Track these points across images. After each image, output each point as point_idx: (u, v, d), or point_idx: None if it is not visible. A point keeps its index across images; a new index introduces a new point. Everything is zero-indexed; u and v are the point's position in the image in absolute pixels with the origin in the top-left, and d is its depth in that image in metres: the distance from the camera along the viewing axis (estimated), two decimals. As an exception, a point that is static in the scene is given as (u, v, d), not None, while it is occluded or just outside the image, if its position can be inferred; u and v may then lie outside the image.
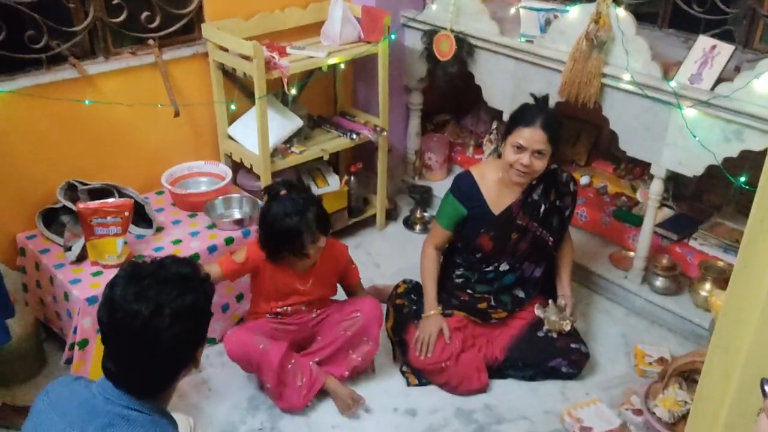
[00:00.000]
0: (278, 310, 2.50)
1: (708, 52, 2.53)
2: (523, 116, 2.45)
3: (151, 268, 1.40)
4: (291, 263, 2.41)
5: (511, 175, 2.48)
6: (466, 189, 2.59)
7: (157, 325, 1.32)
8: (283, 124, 3.03)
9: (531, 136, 2.39)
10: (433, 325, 2.56)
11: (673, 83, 2.53)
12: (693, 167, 2.59)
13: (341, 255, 2.60)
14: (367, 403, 2.48)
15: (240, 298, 2.77)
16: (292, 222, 2.26)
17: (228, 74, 3.04)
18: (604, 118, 2.87)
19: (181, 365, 1.43)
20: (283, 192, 2.33)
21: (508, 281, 2.65)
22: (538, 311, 2.60)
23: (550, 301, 2.64)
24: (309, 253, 2.35)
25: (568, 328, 2.57)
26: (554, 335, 2.58)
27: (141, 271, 1.39)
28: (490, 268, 2.64)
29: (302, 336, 2.56)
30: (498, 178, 2.56)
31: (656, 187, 2.75)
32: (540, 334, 2.60)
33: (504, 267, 2.63)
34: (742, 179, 2.53)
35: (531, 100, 2.54)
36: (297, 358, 2.47)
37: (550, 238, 2.61)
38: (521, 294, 2.67)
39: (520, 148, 2.41)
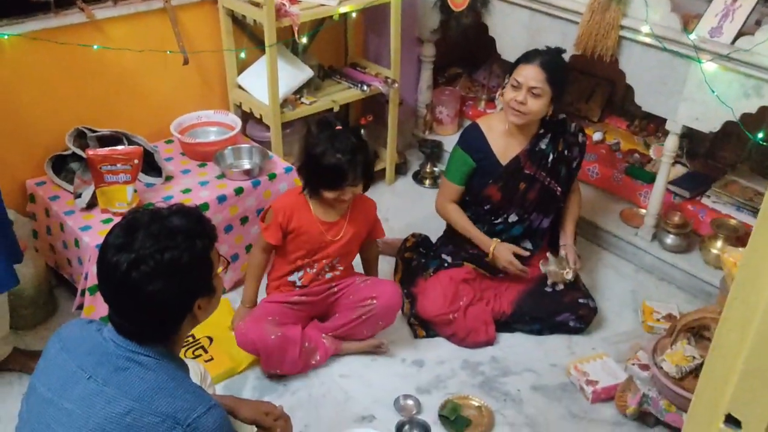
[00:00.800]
0: (302, 264, 2.41)
1: (729, 5, 2.46)
2: (526, 55, 2.47)
3: (146, 219, 1.38)
4: (324, 203, 2.34)
5: (508, 116, 2.50)
6: (473, 141, 2.60)
7: (135, 279, 1.30)
8: (293, 74, 2.99)
9: (527, 72, 2.41)
10: (505, 252, 2.56)
11: (692, 36, 2.47)
12: (710, 123, 2.55)
13: (371, 209, 2.51)
14: (374, 354, 2.51)
15: (249, 248, 2.77)
16: (341, 159, 2.21)
17: (238, 22, 2.98)
18: (619, 74, 2.82)
19: (176, 318, 1.40)
20: (339, 127, 2.29)
21: (517, 232, 2.65)
22: (542, 267, 2.60)
23: (548, 254, 2.63)
24: (345, 194, 2.28)
25: (570, 277, 2.56)
26: (560, 287, 2.58)
27: (136, 222, 1.37)
28: (499, 220, 2.64)
29: (318, 311, 2.51)
30: (505, 129, 2.55)
31: (671, 143, 2.71)
32: (547, 289, 2.60)
33: (513, 218, 2.62)
34: (760, 135, 2.49)
35: None
36: (310, 337, 2.43)
37: (558, 188, 2.61)
38: (529, 245, 2.66)
39: (516, 86, 2.43)
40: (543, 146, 2.57)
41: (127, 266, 1.30)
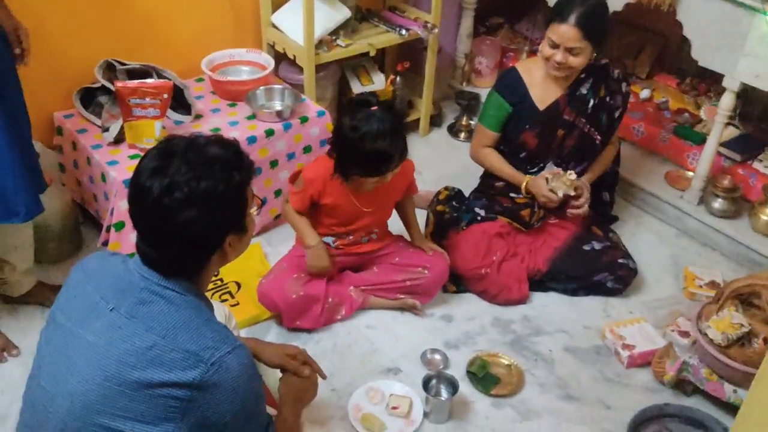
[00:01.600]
0: (337, 231, 2.32)
1: (804, -48, 2.28)
2: (560, 10, 2.31)
3: (183, 145, 1.30)
4: (359, 183, 2.17)
5: (549, 69, 2.40)
6: (511, 84, 2.50)
7: (167, 205, 1.23)
8: (329, 14, 2.86)
9: (564, 33, 2.28)
10: (541, 184, 2.46)
11: (760, -15, 2.30)
12: (771, 81, 2.39)
13: (408, 172, 2.32)
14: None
15: (278, 193, 2.69)
16: (384, 144, 2.01)
17: (274, -44, 2.86)
18: (671, 28, 2.66)
19: (205, 251, 1.33)
20: (375, 108, 2.05)
21: None
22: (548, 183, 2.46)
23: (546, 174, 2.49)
24: (386, 179, 2.12)
25: (573, 176, 2.43)
26: (572, 193, 2.43)
27: (172, 146, 1.30)
28: (535, 169, 2.55)
29: (357, 264, 2.43)
30: (545, 73, 2.46)
31: (727, 101, 2.56)
32: (586, 247, 2.50)
33: (549, 167, 2.53)
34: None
35: None
36: (335, 292, 2.33)
37: (598, 136, 2.50)
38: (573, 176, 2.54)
39: (554, 44, 2.31)
40: (584, 91, 2.46)
41: (160, 192, 1.23)
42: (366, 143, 2.02)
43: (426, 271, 2.36)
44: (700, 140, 2.95)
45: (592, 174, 2.59)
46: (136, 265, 1.33)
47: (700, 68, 3.12)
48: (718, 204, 2.75)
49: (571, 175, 2.44)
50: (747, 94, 2.66)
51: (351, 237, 2.35)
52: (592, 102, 2.47)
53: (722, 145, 2.82)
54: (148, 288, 1.29)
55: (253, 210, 1.42)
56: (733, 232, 2.71)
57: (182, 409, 1.22)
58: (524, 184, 2.50)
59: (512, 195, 2.60)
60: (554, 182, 2.45)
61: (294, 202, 2.26)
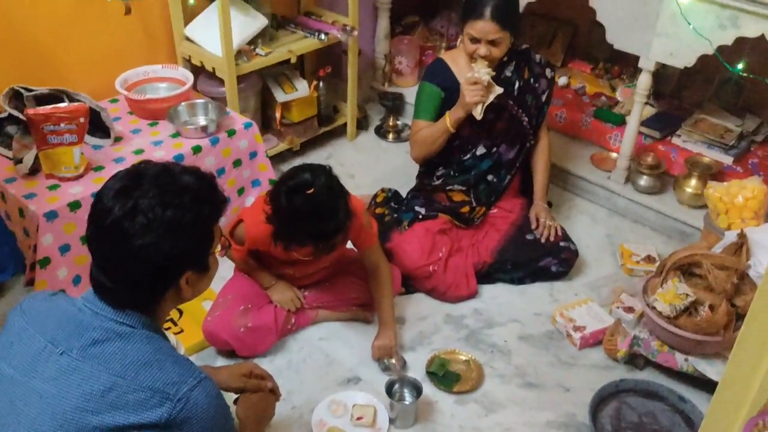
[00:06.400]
0: (283, 274, 2.25)
1: (702, -66, 2.38)
2: (473, 7, 2.34)
3: (156, 170, 1.23)
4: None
5: (473, 63, 2.42)
6: (439, 72, 2.53)
7: (126, 228, 1.16)
8: (246, 22, 2.78)
9: (482, 28, 2.32)
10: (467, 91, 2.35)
11: (666, -32, 2.39)
12: (685, 58, 2.48)
13: (354, 220, 2.00)
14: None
15: (241, 191, 2.67)
16: (326, 227, 1.88)
17: (182, -33, 2.75)
18: (580, 16, 2.73)
19: (161, 284, 1.25)
20: (311, 191, 1.85)
21: (485, 167, 2.59)
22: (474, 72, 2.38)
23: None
24: (334, 248, 2.01)
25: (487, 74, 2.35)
26: (493, 73, 2.37)
27: (145, 170, 1.24)
28: (468, 156, 2.58)
29: (311, 282, 2.34)
30: (469, 61, 2.45)
31: (644, 81, 2.65)
32: (529, 237, 2.53)
33: (480, 151, 2.57)
34: (740, 66, 2.44)
35: None
36: (287, 316, 2.25)
37: (525, 118, 2.55)
38: (495, 179, 2.61)
39: (474, 40, 2.35)
40: (508, 74, 2.51)
41: (122, 214, 1.16)
42: (304, 226, 1.89)
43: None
44: (620, 121, 3.05)
45: (540, 185, 2.65)
46: (86, 300, 1.24)
47: (611, 52, 3.24)
48: (643, 181, 2.84)
49: (488, 71, 2.37)
50: (658, 73, 2.77)
51: (298, 278, 2.29)
52: (517, 84, 2.51)
53: (641, 124, 2.92)
54: (101, 325, 1.20)
55: (218, 249, 1.35)
56: (661, 207, 2.81)
57: None
58: (451, 112, 2.43)
59: (449, 188, 2.61)
60: (475, 67, 2.37)
61: (236, 253, 2.16)
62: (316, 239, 1.93)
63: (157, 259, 1.19)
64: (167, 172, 1.23)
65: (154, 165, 1.25)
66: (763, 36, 2.29)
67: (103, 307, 1.21)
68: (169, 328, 2.25)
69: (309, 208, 1.86)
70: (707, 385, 2.08)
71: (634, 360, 2.23)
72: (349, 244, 2.21)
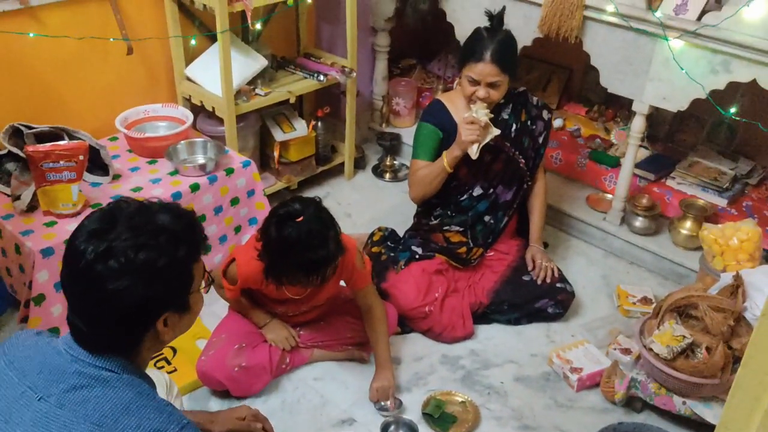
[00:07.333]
0: (281, 311, 2.25)
1: (693, -18, 2.45)
2: (473, 50, 2.37)
3: (131, 209, 1.20)
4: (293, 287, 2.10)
5: (471, 105, 2.44)
6: (437, 113, 2.55)
7: (99, 272, 1.13)
8: (246, 63, 2.82)
9: (482, 70, 2.35)
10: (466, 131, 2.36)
11: (657, 14, 2.45)
12: (678, 102, 2.52)
13: (346, 259, 2.06)
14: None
15: (238, 229, 2.65)
16: (316, 255, 1.88)
17: (184, 9, 2.80)
18: (575, 60, 2.78)
19: (137, 328, 1.21)
20: (300, 219, 1.88)
21: (482, 208, 2.60)
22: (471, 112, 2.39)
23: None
24: (326, 281, 2.01)
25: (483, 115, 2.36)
26: (491, 115, 2.38)
27: (119, 209, 1.20)
28: (465, 197, 2.58)
29: (306, 321, 2.33)
30: (466, 103, 2.48)
31: (638, 124, 2.68)
32: (525, 278, 2.53)
33: (477, 191, 2.58)
34: (732, 110, 2.48)
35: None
36: (282, 356, 2.24)
37: (522, 160, 2.56)
38: (492, 220, 2.61)
39: (474, 82, 2.37)
40: (505, 116, 2.53)
41: (95, 257, 1.13)
42: (294, 257, 1.89)
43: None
44: (615, 163, 3.08)
45: (536, 228, 2.66)
46: (66, 344, 1.20)
47: (605, 95, 3.30)
48: (639, 222, 2.86)
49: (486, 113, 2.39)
50: (652, 116, 2.81)
51: (291, 317, 2.28)
52: (514, 126, 2.53)
53: (636, 166, 2.95)
54: (81, 371, 1.16)
55: (202, 287, 1.31)
56: (657, 248, 2.82)
57: None
58: (448, 151, 2.45)
59: (446, 228, 2.62)
60: (474, 108, 2.38)
61: (228, 292, 2.16)
62: (306, 270, 1.92)
63: (131, 302, 1.15)
64: (143, 212, 1.20)
65: (129, 204, 1.22)
66: (755, 80, 2.33)
67: (81, 352, 1.17)
68: (162, 367, 2.23)
69: (298, 236, 1.86)
70: (705, 429, 2.06)
71: (631, 403, 2.21)
72: (344, 283, 2.21)
